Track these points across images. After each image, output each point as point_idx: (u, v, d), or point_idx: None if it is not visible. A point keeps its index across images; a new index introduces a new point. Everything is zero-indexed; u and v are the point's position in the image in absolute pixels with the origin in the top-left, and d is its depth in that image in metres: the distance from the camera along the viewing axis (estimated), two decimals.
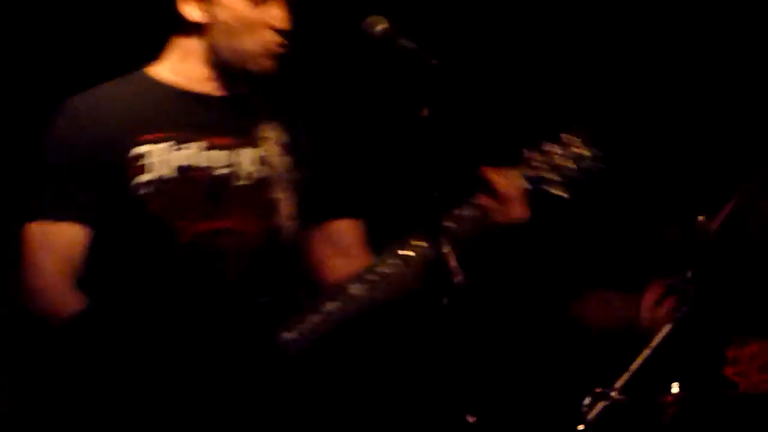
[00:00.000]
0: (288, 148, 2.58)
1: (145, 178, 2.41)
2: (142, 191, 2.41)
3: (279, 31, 2.47)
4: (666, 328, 3.31)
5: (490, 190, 2.60)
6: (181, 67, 2.51)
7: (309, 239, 2.60)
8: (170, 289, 2.40)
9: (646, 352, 3.25)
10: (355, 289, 2.46)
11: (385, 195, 3.69)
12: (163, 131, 2.45)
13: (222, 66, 2.49)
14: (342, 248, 2.63)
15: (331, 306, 2.44)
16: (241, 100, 2.56)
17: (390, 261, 2.51)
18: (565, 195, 2.77)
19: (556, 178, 2.70)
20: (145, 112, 2.48)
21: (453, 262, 2.18)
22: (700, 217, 3.34)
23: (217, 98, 2.53)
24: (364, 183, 2.82)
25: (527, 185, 2.68)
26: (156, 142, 2.43)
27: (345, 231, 2.66)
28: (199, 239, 2.43)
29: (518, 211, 2.62)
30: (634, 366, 3.21)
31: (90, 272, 2.46)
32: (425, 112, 2.18)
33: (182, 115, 2.49)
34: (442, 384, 2.23)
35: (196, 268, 2.45)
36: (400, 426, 3.72)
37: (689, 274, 3.41)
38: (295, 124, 2.63)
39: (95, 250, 2.45)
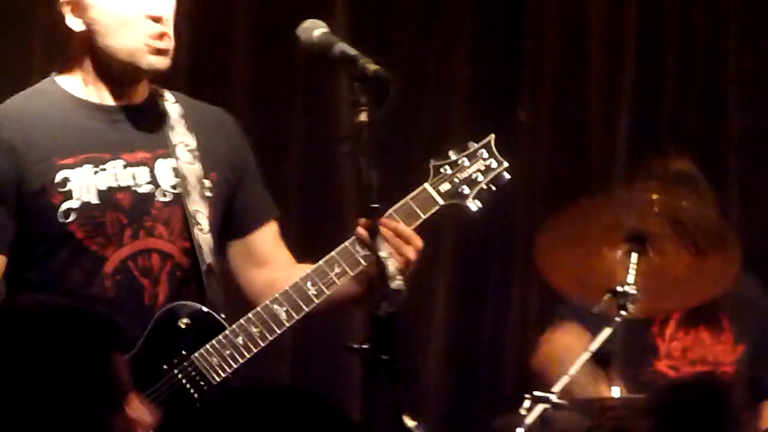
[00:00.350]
0: (198, 154, 2.57)
1: (69, 204, 2.40)
2: (68, 219, 2.40)
3: (157, 19, 2.42)
4: (606, 332, 3.32)
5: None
6: (85, 80, 2.49)
7: (226, 252, 2.61)
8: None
9: (585, 356, 3.27)
10: (279, 311, 2.46)
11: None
12: (81, 153, 2.43)
13: (115, 70, 2.46)
14: (258, 258, 2.63)
15: (254, 329, 2.46)
16: (149, 107, 2.55)
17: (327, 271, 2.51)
18: (477, 207, 2.72)
19: (468, 191, 2.65)
20: (62, 134, 2.45)
21: (391, 268, 2.18)
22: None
23: (126, 109, 2.51)
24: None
25: (438, 201, 2.62)
26: (74, 166, 2.41)
27: (260, 240, 2.66)
28: (124, 265, 2.43)
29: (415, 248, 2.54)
30: (573, 369, 3.23)
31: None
32: (364, 117, 2.17)
33: (97, 133, 2.47)
34: (382, 387, 2.23)
35: (124, 294, 2.46)
36: None
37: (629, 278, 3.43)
38: (203, 128, 2.61)
39: (17, 274, 2.46)
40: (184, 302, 2.46)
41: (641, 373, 3.61)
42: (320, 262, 2.53)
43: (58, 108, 2.48)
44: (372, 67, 2.19)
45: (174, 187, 2.48)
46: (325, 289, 2.49)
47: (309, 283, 2.49)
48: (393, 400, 2.19)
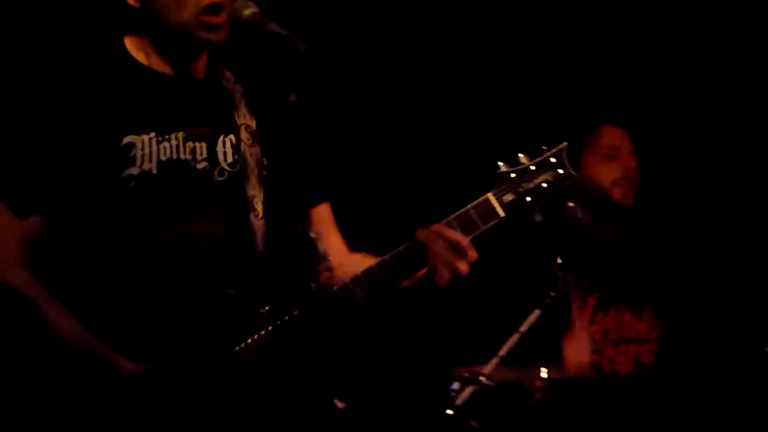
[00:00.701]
0: (259, 135, 2.53)
1: (132, 171, 2.34)
2: (129, 185, 2.35)
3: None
4: (535, 313, 3.37)
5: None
6: (148, 51, 2.45)
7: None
8: (145, 290, 2.33)
9: (515, 338, 3.31)
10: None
11: None
12: (147, 120, 2.39)
13: (172, 45, 2.42)
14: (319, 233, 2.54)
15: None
16: (213, 83, 2.51)
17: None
18: (540, 219, 2.66)
19: (532, 202, 2.53)
20: (130, 99, 2.40)
21: (321, 247, 2.18)
22: (570, 204, 3.41)
23: (191, 82, 2.48)
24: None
25: (500, 213, 2.49)
26: (140, 132, 2.37)
27: (315, 221, 2.57)
28: (176, 244, 2.38)
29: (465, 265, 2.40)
30: (503, 351, 3.27)
31: (59, 257, 2.38)
32: (294, 97, 2.17)
33: (163, 103, 2.43)
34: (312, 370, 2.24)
35: (172, 273, 2.39)
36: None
37: (559, 260, 3.49)
38: (266, 108, 2.56)
39: (66, 236, 2.38)
40: (227, 291, 2.42)
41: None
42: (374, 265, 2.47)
43: (125, 72, 2.43)
44: (303, 46, 2.19)
45: (232, 165, 2.45)
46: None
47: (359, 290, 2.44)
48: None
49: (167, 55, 2.41)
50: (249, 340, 2.31)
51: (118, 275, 2.35)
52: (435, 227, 2.35)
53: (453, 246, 2.34)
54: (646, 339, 3.72)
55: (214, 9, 2.31)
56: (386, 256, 2.40)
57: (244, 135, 2.45)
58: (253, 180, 2.45)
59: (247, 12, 2.26)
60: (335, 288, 2.36)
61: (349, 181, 3.69)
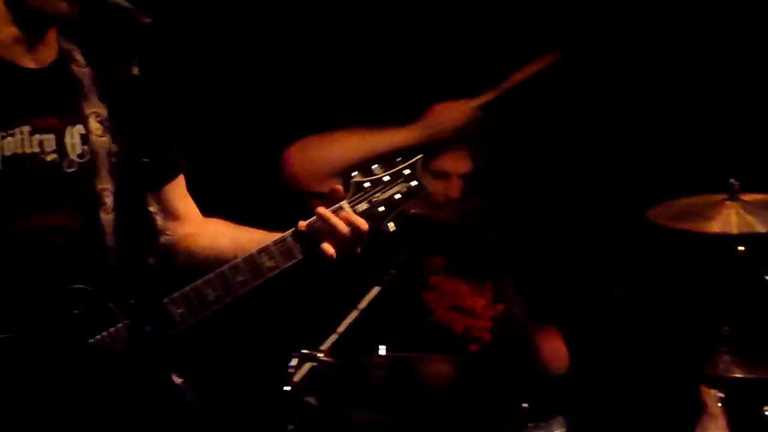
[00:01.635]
0: (108, 125, 2.48)
1: None
2: None
3: None
4: (374, 290, 3.42)
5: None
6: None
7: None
8: None
9: (354, 314, 3.36)
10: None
11: None
12: None
13: (24, 16, 2.35)
14: (171, 212, 2.61)
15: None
16: (61, 70, 2.45)
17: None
18: (392, 230, 2.68)
19: (385, 212, 2.61)
20: None
21: (160, 221, 2.19)
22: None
23: (37, 72, 2.41)
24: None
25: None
26: None
27: (171, 195, 2.63)
28: (26, 237, 2.34)
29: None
30: (342, 328, 3.31)
31: None
32: (136, 71, 2.15)
33: (5, 95, 2.35)
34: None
35: (23, 267, 2.34)
36: None
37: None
38: (115, 94, 2.51)
39: None
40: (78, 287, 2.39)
41: (411, 302, 3.82)
42: (253, 251, 2.50)
43: None
44: (146, 19, 2.17)
45: (81, 157, 2.41)
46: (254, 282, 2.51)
47: (239, 275, 2.48)
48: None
49: (12, 38, 2.36)
50: (99, 336, 2.31)
51: None
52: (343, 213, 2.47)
53: (355, 229, 2.45)
54: (480, 315, 3.82)
55: None
56: (269, 243, 2.46)
57: (93, 124, 2.42)
58: (103, 172, 2.42)
59: None
60: (187, 288, 2.39)
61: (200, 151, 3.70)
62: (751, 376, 3.51)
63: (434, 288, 3.82)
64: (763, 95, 4.64)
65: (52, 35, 2.40)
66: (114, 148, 2.43)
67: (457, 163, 3.88)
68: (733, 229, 3.46)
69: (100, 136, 2.42)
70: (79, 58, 2.47)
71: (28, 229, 2.32)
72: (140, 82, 2.18)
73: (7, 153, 2.30)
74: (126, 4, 2.21)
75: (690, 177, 4.14)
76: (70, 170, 2.36)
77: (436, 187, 3.77)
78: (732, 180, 3.51)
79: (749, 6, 4.49)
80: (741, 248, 3.47)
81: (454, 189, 3.84)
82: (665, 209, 3.64)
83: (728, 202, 3.47)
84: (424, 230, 3.69)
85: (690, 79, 4.68)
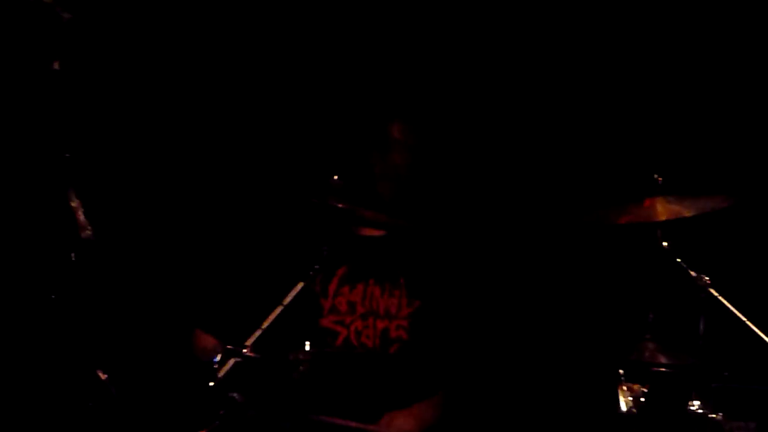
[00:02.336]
0: None
1: None
2: None
3: None
4: (299, 286, 3.43)
5: None
6: None
7: None
8: None
9: (278, 310, 3.36)
10: None
11: None
12: None
13: None
14: None
15: None
16: None
17: None
18: None
19: None
20: None
21: (81, 216, 2.20)
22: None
23: None
24: None
25: None
26: None
27: None
28: None
29: None
30: (266, 324, 3.32)
31: None
32: (56, 65, 2.18)
33: None
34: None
35: None
36: None
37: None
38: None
39: None
40: None
41: (310, 331, 3.77)
42: None
43: None
44: (66, 15, 2.20)
45: None
46: None
47: None
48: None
49: None
50: None
51: None
52: None
53: None
54: (395, 315, 3.83)
55: None
56: None
57: None
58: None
59: None
60: None
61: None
62: (675, 362, 3.57)
63: (336, 309, 3.93)
64: (683, 96, 4.81)
65: None
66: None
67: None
68: (661, 217, 3.56)
69: None
70: None
71: None
72: (62, 77, 2.21)
73: None
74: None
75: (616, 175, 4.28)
76: None
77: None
78: (656, 175, 3.64)
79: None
80: (665, 243, 3.57)
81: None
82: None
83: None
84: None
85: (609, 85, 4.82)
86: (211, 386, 3.18)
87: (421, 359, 3.67)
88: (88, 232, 2.25)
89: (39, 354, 2.58)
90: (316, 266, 3.43)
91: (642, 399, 3.53)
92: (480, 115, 4.69)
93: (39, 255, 2.59)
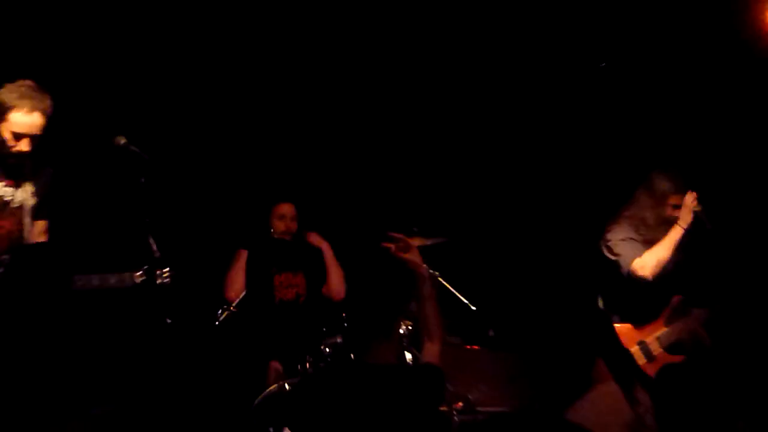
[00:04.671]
0: (35, 191, 4.75)
1: None
2: None
3: (17, 134, 4.54)
4: None
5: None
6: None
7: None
8: None
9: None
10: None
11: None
12: None
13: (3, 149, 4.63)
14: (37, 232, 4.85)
15: None
16: (20, 165, 4.68)
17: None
18: None
19: None
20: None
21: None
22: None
23: (10, 163, 4.66)
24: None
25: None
26: None
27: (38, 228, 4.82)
28: None
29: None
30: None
31: None
32: (142, 180, 4.51)
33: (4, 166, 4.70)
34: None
35: None
36: None
37: None
38: (39, 180, 4.79)
39: None
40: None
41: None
42: None
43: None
44: (146, 156, 4.62)
45: (20, 202, 4.74)
46: None
47: None
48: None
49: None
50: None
51: None
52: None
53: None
54: (303, 293, 5.80)
55: (15, 137, 4.62)
56: None
57: (28, 188, 4.79)
58: (28, 211, 4.79)
59: (122, 141, 4.70)
60: None
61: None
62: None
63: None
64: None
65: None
66: (33, 201, 4.75)
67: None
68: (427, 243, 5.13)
69: (30, 194, 4.77)
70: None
71: None
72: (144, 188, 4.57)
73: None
74: (136, 149, 4.69)
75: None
76: (13, 205, 4.71)
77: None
78: (414, 228, 5.08)
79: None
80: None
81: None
82: None
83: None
84: None
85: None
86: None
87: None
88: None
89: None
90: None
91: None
92: None
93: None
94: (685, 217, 5.15)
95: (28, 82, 4.61)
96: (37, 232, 4.85)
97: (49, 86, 4.64)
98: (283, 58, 6.18)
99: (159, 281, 4.55)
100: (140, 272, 4.51)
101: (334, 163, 6.42)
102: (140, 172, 4.65)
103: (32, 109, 4.56)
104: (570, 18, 5.83)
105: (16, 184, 4.73)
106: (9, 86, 4.62)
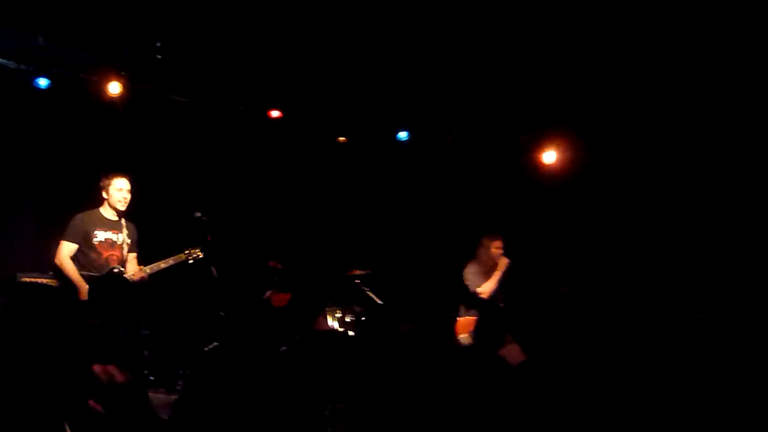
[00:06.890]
0: (128, 235, 7.89)
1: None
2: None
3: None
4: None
5: None
6: (108, 209, 7.95)
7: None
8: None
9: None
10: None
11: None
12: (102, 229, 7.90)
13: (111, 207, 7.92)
14: (132, 263, 8.16)
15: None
16: (120, 220, 7.91)
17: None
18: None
19: None
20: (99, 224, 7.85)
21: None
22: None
23: (114, 220, 7.95)
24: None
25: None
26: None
27: (132, 257, 8.09)
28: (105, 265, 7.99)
29: None
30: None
31: None
32: (209, 238, 7.92)
33: (106, 223, 7.91)
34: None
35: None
36: None
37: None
38: (130, 229, 7.97)
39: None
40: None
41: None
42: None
43: (99, 216, 8.01)
44: (211, 222, 8.11)
45: (123, 240, 8.02)
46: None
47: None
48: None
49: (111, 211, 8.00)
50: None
51: None
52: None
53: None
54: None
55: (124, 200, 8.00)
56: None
57: (126, 233, 8.05)
58: (127, 246, 8.09)
59: (197, 214, 8.22)
60: None
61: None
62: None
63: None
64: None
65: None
66: (129, 241, 8.00)
67: None
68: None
69: (127, 236, 8.02)
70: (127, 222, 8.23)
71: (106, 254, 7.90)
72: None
73: (102, 238, 7.99)
74: (201, 215, 8.14)
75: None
76: (119, 242, 8.01)
77: None
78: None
79: None
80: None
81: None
82: None
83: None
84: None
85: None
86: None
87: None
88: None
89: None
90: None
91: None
92: None
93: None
94: (501, 264, 8.25)
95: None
96: (131, 258, 8.06)
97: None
98: None
99: (190, 260, 7.58)
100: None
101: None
102: (207, 233, 7.90)
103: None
104: None
105: (119, 231, 8.01)
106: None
